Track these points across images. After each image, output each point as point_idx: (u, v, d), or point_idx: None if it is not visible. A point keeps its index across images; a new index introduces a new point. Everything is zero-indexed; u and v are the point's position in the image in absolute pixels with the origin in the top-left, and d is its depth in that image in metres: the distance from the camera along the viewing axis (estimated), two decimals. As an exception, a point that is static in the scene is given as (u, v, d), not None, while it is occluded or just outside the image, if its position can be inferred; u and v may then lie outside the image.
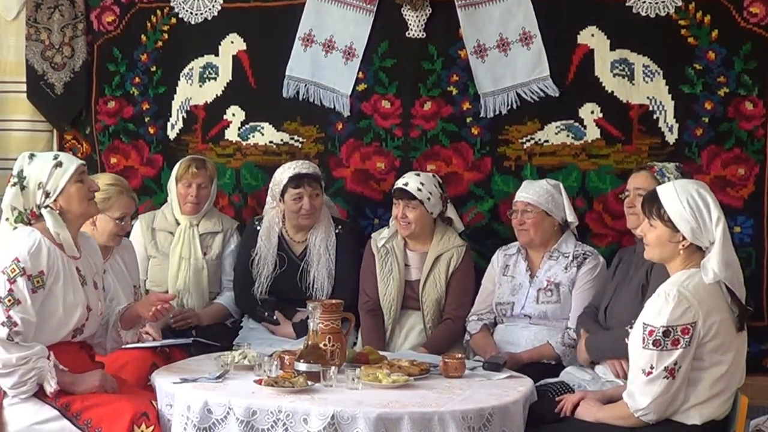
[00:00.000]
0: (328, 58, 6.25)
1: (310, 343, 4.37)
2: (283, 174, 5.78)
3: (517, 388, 4.35)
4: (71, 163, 4.29)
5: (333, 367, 4.26)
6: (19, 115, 6.76)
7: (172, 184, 5.98)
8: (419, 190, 5.52)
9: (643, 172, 4.96)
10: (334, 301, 4.69)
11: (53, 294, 4.18)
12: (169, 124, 6.58)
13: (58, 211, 4.25)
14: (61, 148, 6.65)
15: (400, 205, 5.57)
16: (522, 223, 5.37)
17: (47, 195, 4.24)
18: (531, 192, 5.37)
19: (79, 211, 4.31)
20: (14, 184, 4.25)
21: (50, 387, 4.05)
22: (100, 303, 4.41)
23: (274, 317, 5.76)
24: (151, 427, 4.04)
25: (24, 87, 6.71)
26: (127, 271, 5.30)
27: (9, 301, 4.05)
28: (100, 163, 6.66)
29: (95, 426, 4.06)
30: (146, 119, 6.62)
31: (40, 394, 4.13)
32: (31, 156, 4.30)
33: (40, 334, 4.12)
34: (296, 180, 5.71)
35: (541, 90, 5.94)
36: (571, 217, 5.40)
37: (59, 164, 4.26)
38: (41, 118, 6.75)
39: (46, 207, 4.24)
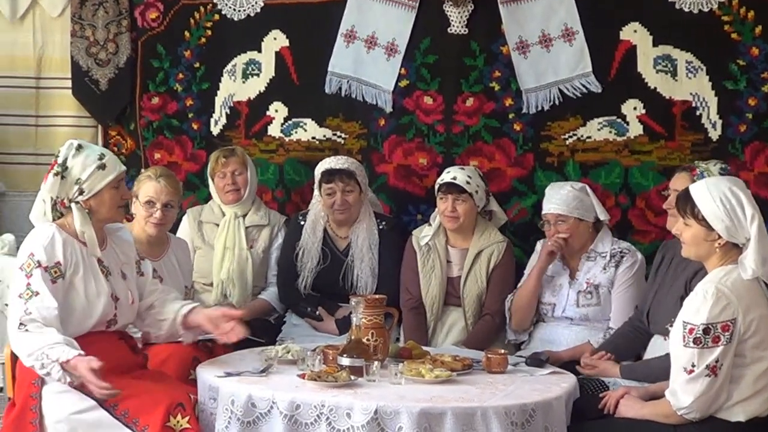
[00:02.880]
0: (370, 54, 6.28)
1: (353, 337, 4.40)
2: (318, 169, 5.84)
3: (560, 384, 4.35)
4: (114, 169, 4.31)
5: (376, 362, 4.27)
6: (64, 111, 6.82)
7: (210, 182, 6.06)
8: (468, 183, 5.51)
9: (684, 174, 4.93)
10: (377, 296, 4.72)
11: (74, 286, 4.23)
12: (212, 120, 6.62)
13: (87, 209, 4.30)
14: (105, 144, 6.70)
15: (448, 199, 5.54)
16: (556, 233, 5.34)
17: (81, 192, 4.28)
18: (559, 202, 5.30)
19: (107, 215, 4.36)
20: (56, 174, 4.27)
21: (65, 380, 4.04)
22: (130, 293, 4.44)
23: (317, 313, 5.79)
24: (187, 417, 4.06)
25: (69, 83, 6.76)
26: (180, 271, 5.39)
27: (27, 294, 4.10)
28: (144, 159, 6.71)
29: (132, 416, 4.09)
30: (190, 115, 6.66)
31: (77, 386, 4.14)
32: (79, 148, 4.31)
33: (68, 325, 4.14)
34: (328, 175, 5.74)
35: (584, 86, 5.94)
36: (602, 215, 5.37)
37: (102, 167, 4.28)
38: (86, 114, 6.80)
39: (76, 202, 4.28)
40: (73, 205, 4.28)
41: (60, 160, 4.29)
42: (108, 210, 4.33)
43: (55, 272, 4.16)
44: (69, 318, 4.18)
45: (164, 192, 5.24)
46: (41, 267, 4.14)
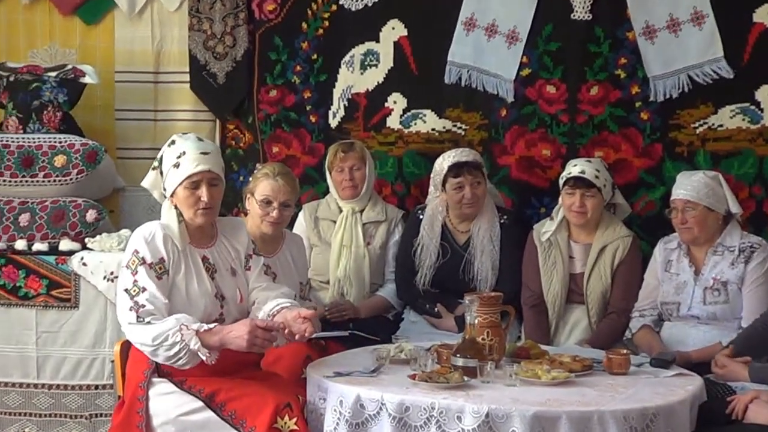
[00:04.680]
0: (490, 42, 6.18)
1: (467, 337, 4.31)
2: (443, 163, 5.72)
3: (686, 387, 4.21)
4: (187, 169, 4.26)
5: (490, 363, 4.20)
6: (182, 105, 6.87)
7: (327, 175, 6.03)
8: (596, 177, 5.40)
9: None
10: (492, 293, 4.64)
11: (175, 285, 4.24)
12: (330, 112, 6.59)
13: (174, 206, 4.30)
14: (223, 138, 6.79)
15: (576, 194, 5.42)
16: (684, 222, 5.15)
17: (165, 190, 4.33)
18: (689, 188, 5.14)
19: (187, 216, 4.32)
20: (153, 168, 4.35)
21: (203, 356, 4.05)
22: (238, 290, 4.42)
23: (436, 310, 5.72)
24: (294, 419, 4.05)
25: (187, 77, 6.81)
26: (295, 267, 5.35)
27: (134, 291, 4.13)
28: (262, 153, 6.71)
29: (239, 417, 4.11)
30: (308, 108, 6.64)
31: (185, 386, 4.20)
32: (172, 143, 4.34)
33: None
34: (456, 168, 5.65)
35: (715, 72, 5.77)
36: (734, 208, 5.17)
37: (177, 165, 4.27)
38: (204, 108, 6.83)
39: (167, 198, 4.33)
40: (164, 201, 4.34)
41: (159, 155, 4.34)
42: (186, 210, 4.30)
43: (160, 268, 4.19)
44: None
45: (282, 191, 5.16)
46: (146, 264, 4.17)
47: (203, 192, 4.27)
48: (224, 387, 4.18)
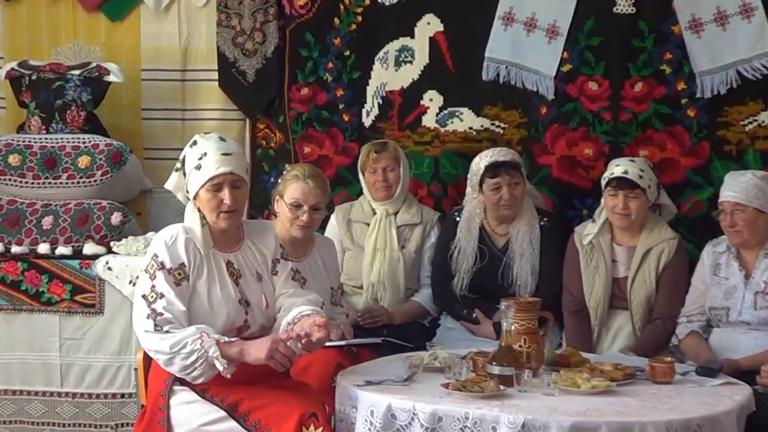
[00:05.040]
0: (530, 37, 6.17)
1: (503, 344, 4.29)
2: (480, 162, 5.70)
3: (733, 396, 4.15)
4: (209, 171, 4.22)
5: (528, 371, 4.17)
6: (211, 104, 6.88)
7: (360, 175, 6.03)
8: (640, 177, 5.37)
9: None
10: (530, 298, 4.63)
11: (196, 290, 4.23)
12: (363, 111, 6.58)
13: (197, 209, 4.30)
14: (253, 138, 6.81)
15: (619, 196, 5.38)
16: (733, 225, 5.10)
17: (188, 192, 4.31)
18: (738, 190, 5.09)
19: (210, 219, 4.29)
20: (176, 169, 4.34)
21: (220, 366, 4.03)
22: (264, 296, 4.39)
23: (473, 315, 5.71)
24: (320, 428, 4.04)
25: (215, 75, 6.82)
26: (326, 272, 5.35)
27: (152, 297, 4.12)
28: (293, 153, 6.70)
29: (263, 427, 4.10)
30: (340, 106, 6.62)
31: (207, 395, 4.20)
32: (194, 143, 4.30)
33: None
34: (493, 169, 5.62)
35: (764, 67, 5.75)
36: None
37: (198, 167, 4.23)
38: (233, 107, 6.85)
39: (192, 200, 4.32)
40: (188, 203, 4.33)
41: (181, 155, 4.33)
42: (209, 214, 4.28)
43: (179, 274, 4.18)
44: (192, 324, 4.16)
45: (312, 194, 5.15)
46: (164, 269, 4.17)
47: (226, 194, 4.24)
48: (248, 396, 4.16)
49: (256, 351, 4.08)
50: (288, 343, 4.12)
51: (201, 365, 4.05)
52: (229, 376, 4.06)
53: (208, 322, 4.18)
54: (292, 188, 5.16)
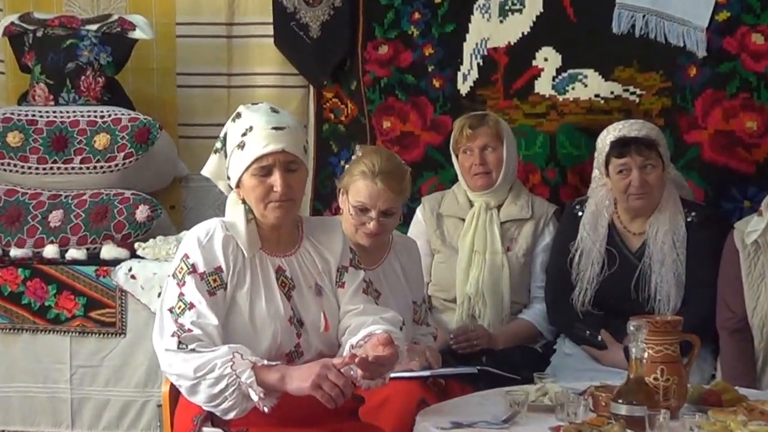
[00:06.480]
0: (675, -23, 5.99)
1: (632, 376, 4.10)
2: (605, 139, 5.61)
3: None
4: (254, 151, 4.08)
5: (664, 411, 3.98)
6: (264, 67, 6.92)
7: (454, 158, 5.97)
8: None
9: None
10: (669, 317, 4.48)
11: (235, 303, 4.11)
12: (459, 75, 6.58)
13: (242, 199, 4.16)
14: (319, 110, 6.82)
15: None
16: None
17: (229, 178, 4.18)
18: None
19: (257, 212, 4.15)
20: (215, 150, 4.22)
21: (255, 396, 3.89)
22: (324, 315, 4.25)
23: (599, 338, 5.59)
24: None
25: (270, 30, 6.83)
26: (406, 282, 5.26)
27: (179, 308, 4.02)
28: (369, 129, 6.72)
29: None
30: (430, 69, 6.62)
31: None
32: (237, 116, 4.17)
33: None
34: (620, 147, 5.52)
35: None
36: None
37: (241, 145, 4.09)
38: (293, 71, 6.86)
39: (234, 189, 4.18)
40: (231, 192, 4.21)
41: (222, 132, 4.20)
42: (255, 205, 4.13)
43: (214, 281, 4.07)
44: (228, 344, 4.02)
45: (382, 197, 4.99)
46: (196, 273, 4.05)
47: (276, 179, 4.08)
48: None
49: (300, 378, 3.91)
50: (343, 369, 3.93)
51: (232, 394, 3.92)
52: (266, 409, 3.90)
53: (249, 344, 4.03)
54: (357, 187, 5.00)
